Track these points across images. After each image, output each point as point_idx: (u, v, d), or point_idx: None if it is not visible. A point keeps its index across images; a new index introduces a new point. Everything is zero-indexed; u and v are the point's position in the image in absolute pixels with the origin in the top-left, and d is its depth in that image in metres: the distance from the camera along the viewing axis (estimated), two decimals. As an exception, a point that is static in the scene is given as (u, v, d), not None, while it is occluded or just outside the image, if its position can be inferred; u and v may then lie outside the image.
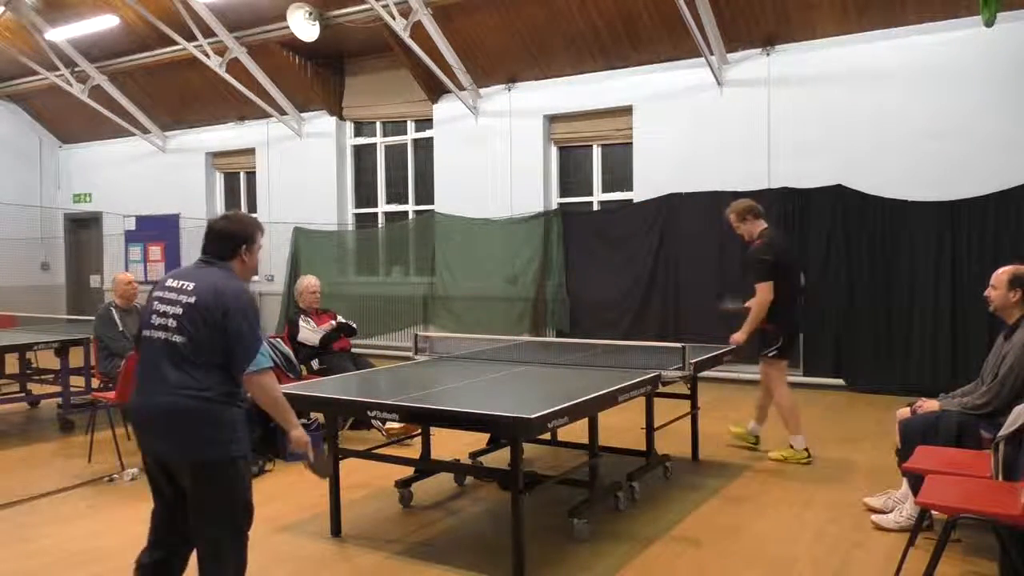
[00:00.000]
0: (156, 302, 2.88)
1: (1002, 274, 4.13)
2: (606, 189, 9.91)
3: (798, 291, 5.65)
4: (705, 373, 5.39)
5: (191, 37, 10.48)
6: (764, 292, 5.27)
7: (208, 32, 10.37)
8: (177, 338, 2.77)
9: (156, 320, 2.84)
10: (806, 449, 5.41)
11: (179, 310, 2.79)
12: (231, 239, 2.93)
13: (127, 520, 4.41)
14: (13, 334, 7.86)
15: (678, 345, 4.58)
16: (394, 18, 9.16)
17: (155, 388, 2.80)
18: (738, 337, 5.36)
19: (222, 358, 2.79)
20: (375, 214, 11.79)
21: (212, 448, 2.76)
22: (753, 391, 8.16)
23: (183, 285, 2.84)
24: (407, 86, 10.77)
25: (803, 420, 5.47)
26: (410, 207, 11.48)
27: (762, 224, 5.45)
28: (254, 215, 12.52)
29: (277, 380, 2.95)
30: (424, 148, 11.25)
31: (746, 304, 5.45)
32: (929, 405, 4.23)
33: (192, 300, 2.79)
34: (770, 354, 5.42)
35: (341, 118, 11.77)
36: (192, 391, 2.74)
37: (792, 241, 8.23)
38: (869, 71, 7.96)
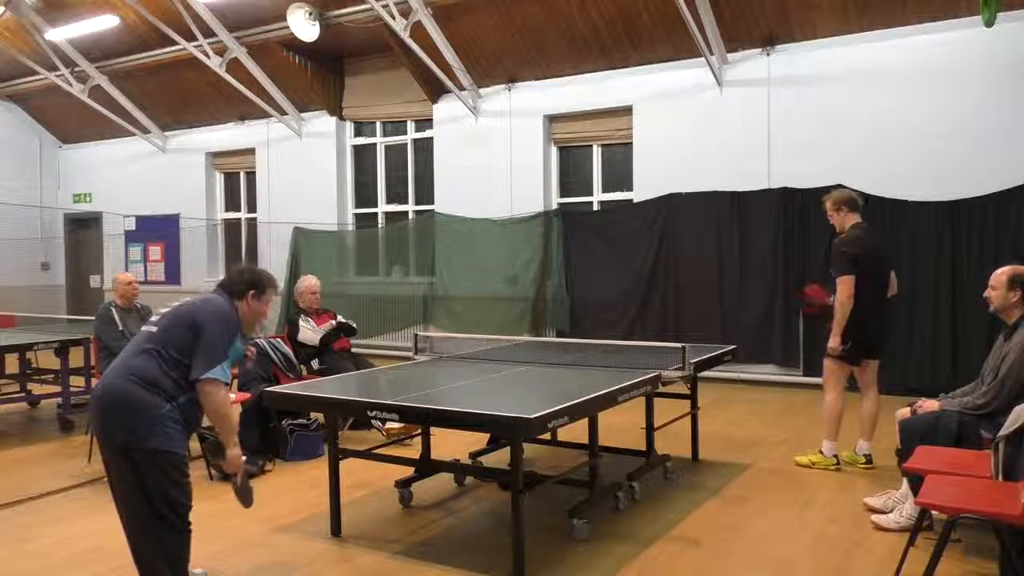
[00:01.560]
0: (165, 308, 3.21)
1: (1001, 274, 4.13)
2: (606, 189, 9.90)
3: (880, 298, 5.18)
4: (705, 373, 5.38)
5: (191, 37, 10.48)
6: (844, 286, 4.97)
7: (208, 32, 10.37)
8: (152, 328, 3.10)
9: (153, 317, 3.19)
10: (835, 456, 5.26)
11: (167, 309, 3.17)
12: (241, 281, 3.29)
13: (127, 520, 4.40)
14: (13, 334, 7.87)
15: (678, 345, 4.58)
16: (394, 18, 9.16)
17: (111, 371, 3.05)
18: (833, 344, 5.08)
19: (182, 355, 3.00)
20: (375, 214, 11.79)
21: (131, 434, 2.90)
22: (753, 391, 8.22)
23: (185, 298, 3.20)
24: (407, 86, 10.78)
25: (805, 420, 5.45)
26: (410, 207, 11.48)
27: (856, 218, 5.24)
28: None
29: (229, 394, 3.14)
30: (424, 148, 11.24)
31: (829, 299, 5.25)
32: (929, 405, 4.23)
33: (180, 303, 3.18)
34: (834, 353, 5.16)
35: (341, 118, 11.77)
36: (136, 376, 2.95)
37: (797, 241, 8.27)
38: (869, 71, 7.96)
